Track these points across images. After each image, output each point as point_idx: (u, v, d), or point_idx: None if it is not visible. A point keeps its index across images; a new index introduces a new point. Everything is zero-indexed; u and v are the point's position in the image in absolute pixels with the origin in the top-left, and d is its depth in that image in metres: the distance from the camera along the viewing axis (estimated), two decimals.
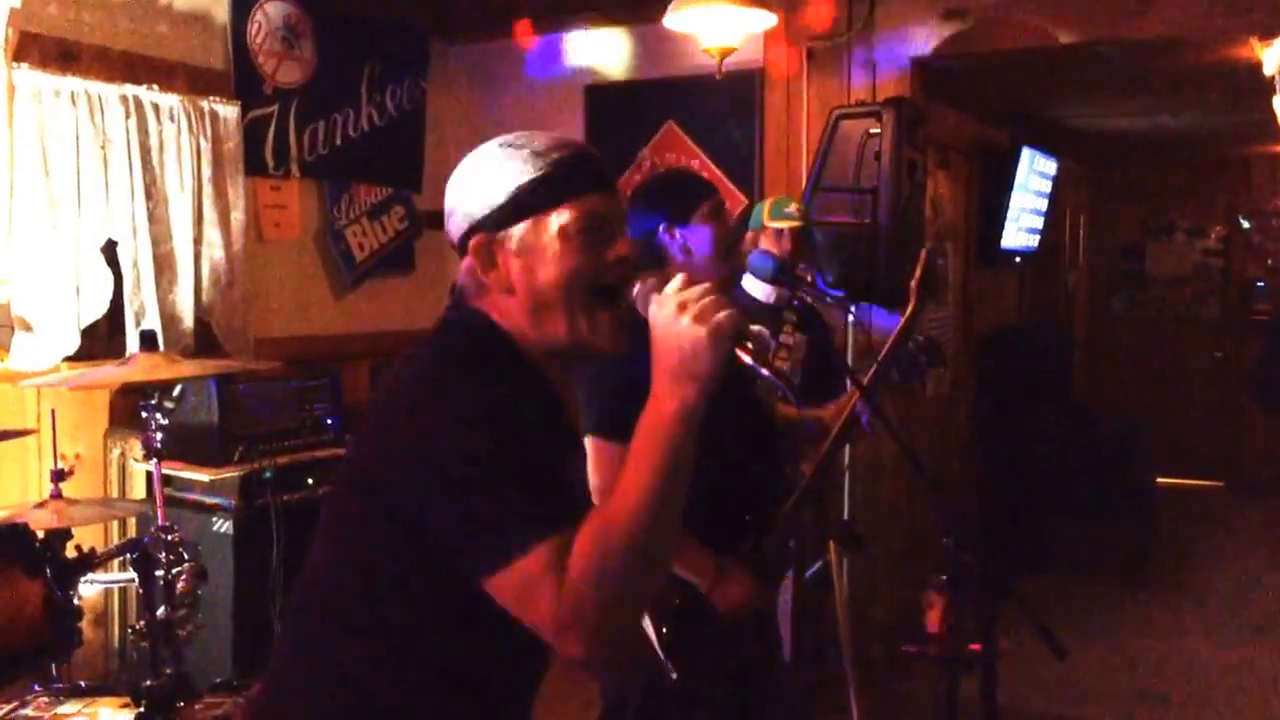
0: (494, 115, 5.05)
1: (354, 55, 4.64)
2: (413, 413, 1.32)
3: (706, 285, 1.31)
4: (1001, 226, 6.01)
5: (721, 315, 1.26)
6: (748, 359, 1.29)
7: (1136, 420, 7.40)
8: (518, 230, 1.38)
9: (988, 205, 6.01)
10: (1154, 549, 6.30)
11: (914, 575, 4.53)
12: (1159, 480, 6.89)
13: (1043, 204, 6.61)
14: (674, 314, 1.27)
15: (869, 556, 4.34)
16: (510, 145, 1.41)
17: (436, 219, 4.19)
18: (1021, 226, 6.33)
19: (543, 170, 1.37)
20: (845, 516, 4.12)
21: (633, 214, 2.47)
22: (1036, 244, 6.68)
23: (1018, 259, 6.52)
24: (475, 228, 1.40)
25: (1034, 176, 6.34)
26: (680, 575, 2.27)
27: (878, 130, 4.02)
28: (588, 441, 2.29)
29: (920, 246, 4.48)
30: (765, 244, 3.31)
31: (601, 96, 4.92)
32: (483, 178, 1.40)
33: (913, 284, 2.54)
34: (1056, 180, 6.74)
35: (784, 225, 3.37)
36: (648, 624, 2.29)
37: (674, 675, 2.26)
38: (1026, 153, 6.10)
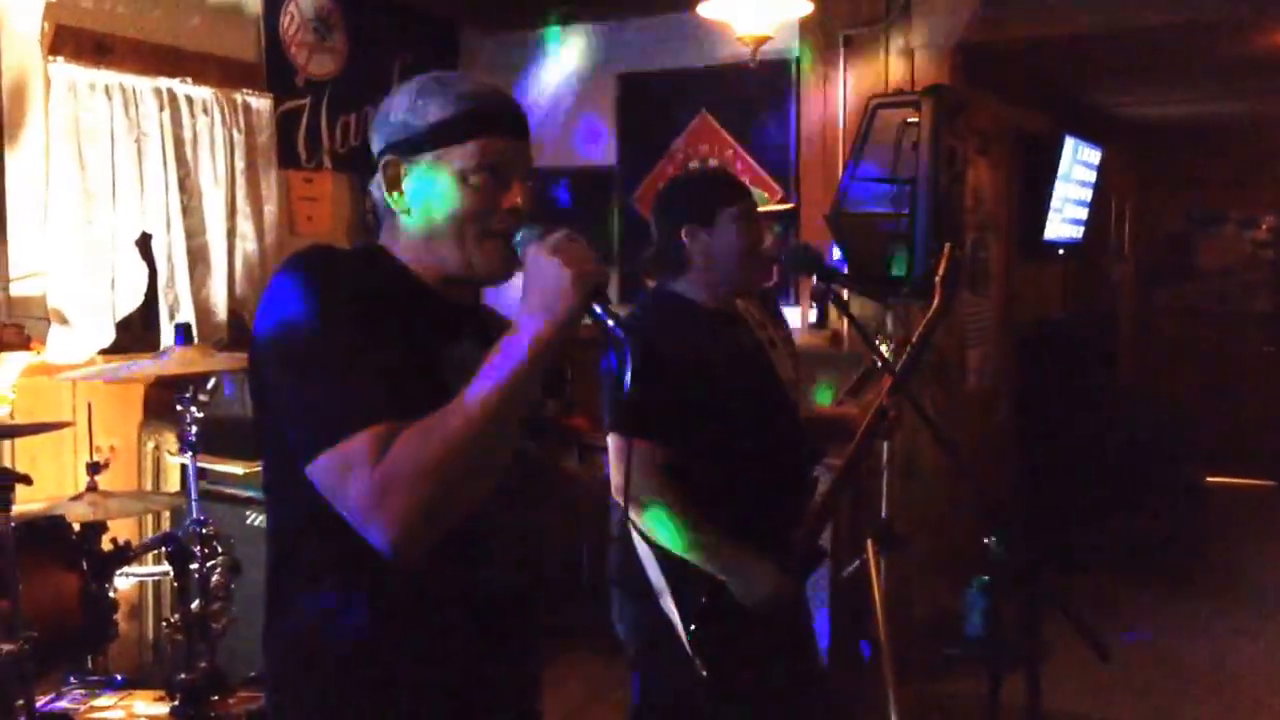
0: (526, 105, 5.06)
1: (385, 46, 4.67)
2: (264, 312, 1.41)
3: (581, 241, 1.39)
4: (1044, 217, 5.96)
5: (588, 264, 1.34)
6: (599, 310, 1.36)
7: (1184, 416, 7.30)
8: (423, 160, 1.47)
9: (1030, 195, 5.96)
10: (1203, 549, 6.22)
11: (955, 575, 4.51)
12: (1208, 479, 6.80)
13: (1087, 194, 6.54)
14: (548, 254, 1.35)
15: (908, 555, 4.32)
16: (437, 80, 1.50)
17: None
18: (1065, 217, 6.27)
19: (457, 109, 1.46)
20: (884, 514, 4.11)
21: (657, 213, 2.48)
22: (1080, 235, 6.61)
23: (1061, 250, 6.46)
24: (387, 149, 1.49)
25: (1078, 166, 6.28)
26: (709, 570, 2.27)
27: (916, 119, 3.99)
28: (609, 439, 2.32)
29: (960, 238, 4.46)
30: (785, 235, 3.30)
31: (634, 86, 4.93)
32: (405, 105, 1.49)
33: (937, 279, 2.53)
34: (1101, 169, 6.67)
35: (776, 208, 3.36)
36: (677, 619, 2.29)
37: (704, 672, 2.26)
38: (1070, 142, 6.04)
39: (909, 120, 4.05)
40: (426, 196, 1.47)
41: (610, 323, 1.36)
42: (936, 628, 4.50)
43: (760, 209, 3.28)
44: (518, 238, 1.43)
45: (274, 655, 1.54)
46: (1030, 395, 6.15)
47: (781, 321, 3.49)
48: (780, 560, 2.34)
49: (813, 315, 4.47)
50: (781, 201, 4.59)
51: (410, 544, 1.28)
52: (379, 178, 1.50)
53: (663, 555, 2.30)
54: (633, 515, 2.30)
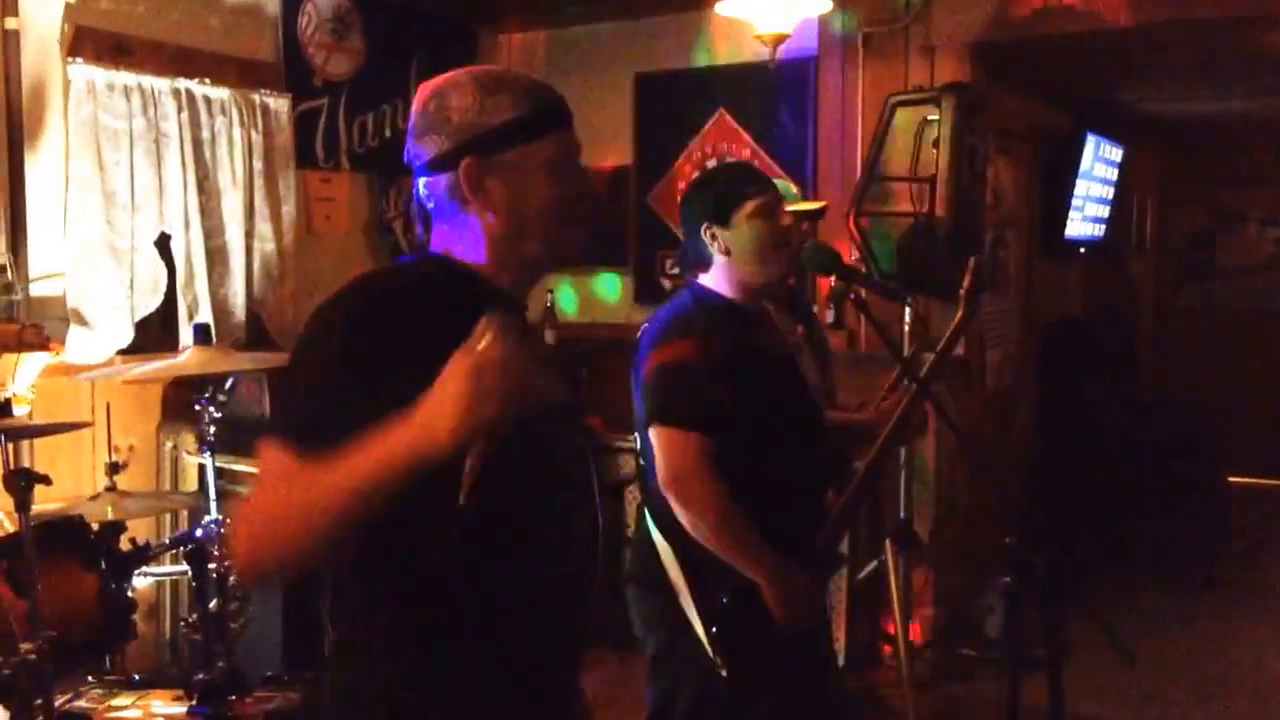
0: None
1: (403, 46, 4.68)
2: (300, 339, 1.49)
3: (525, 352, 1.28)
4: (1065, 215, 5.91)
5: (491, 404, 1.24)
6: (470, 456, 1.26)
7: (1206, 416, 7.24)
8: (506, 158, 1.49)
9: (1051, 193, 5.91)
10: (1225, 551, 6.17)
11: (974, 576, 4.48)
12: (1231, 479, 6.74)
13: (1109, 192, 6.49)
14: (465, 364, 1.25)
15: (927, 556, 4.30)
16: (494, 79, 1.53)
17: None
18: (1086, 215, 6.22)
19: (531, 105, 1.51)
20: (902, 515, 4.09)
21: (682, 213, 2.48)
22: (1102, 233, 6.56)
23: (1082, 249, 6.41)
24: (459, 152, 1.49)
25: (1099, 164, 6.23)
26: (736, 570, 2.26)
27: (936, 117, 3.98)
28: (651, 431, 2.30)
29: (980, 236, 4.43)
30: (803, 232, 3.28)
31: (652, 85, 4.91)
32: (470, 106, 1.50)
33: (962, 292, 2.51)
34: (1123, 167, 6.62)
35: (804, 206, 3.35)
36: (696, 621, 2.29)
37: (724, 674, 2.26)
38: (1091, 139, 5.99)
39: (928, 118, 4.03)
40: (516, 193, 1.50)
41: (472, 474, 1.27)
42: (956, 629, 4.47)
43: (791, 207, 3.27)
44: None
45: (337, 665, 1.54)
46: (1051, 395, 6.11)
47: (815, 324, 3.48)
48: (804, 562, 2.33)
49: (830, 316, 4.44)
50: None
51: (249, 576, 1.46)
52: (451, 181, 1.50)
53: (682, 553, 2.30)
54: (677, 510, 2.27)
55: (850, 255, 4.12)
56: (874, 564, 4.05)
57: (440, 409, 1.24)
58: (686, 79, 4.82)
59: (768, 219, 2.38)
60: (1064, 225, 5.92)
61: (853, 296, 3.16)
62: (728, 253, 2.37)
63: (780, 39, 3.90)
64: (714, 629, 2.27)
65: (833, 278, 3.01)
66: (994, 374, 5.23)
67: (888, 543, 3.93)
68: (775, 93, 4.59)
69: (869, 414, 2.79)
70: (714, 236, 2.38)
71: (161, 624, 3.81)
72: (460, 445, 1.24)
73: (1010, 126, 5.37)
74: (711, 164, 4.72)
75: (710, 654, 2.26)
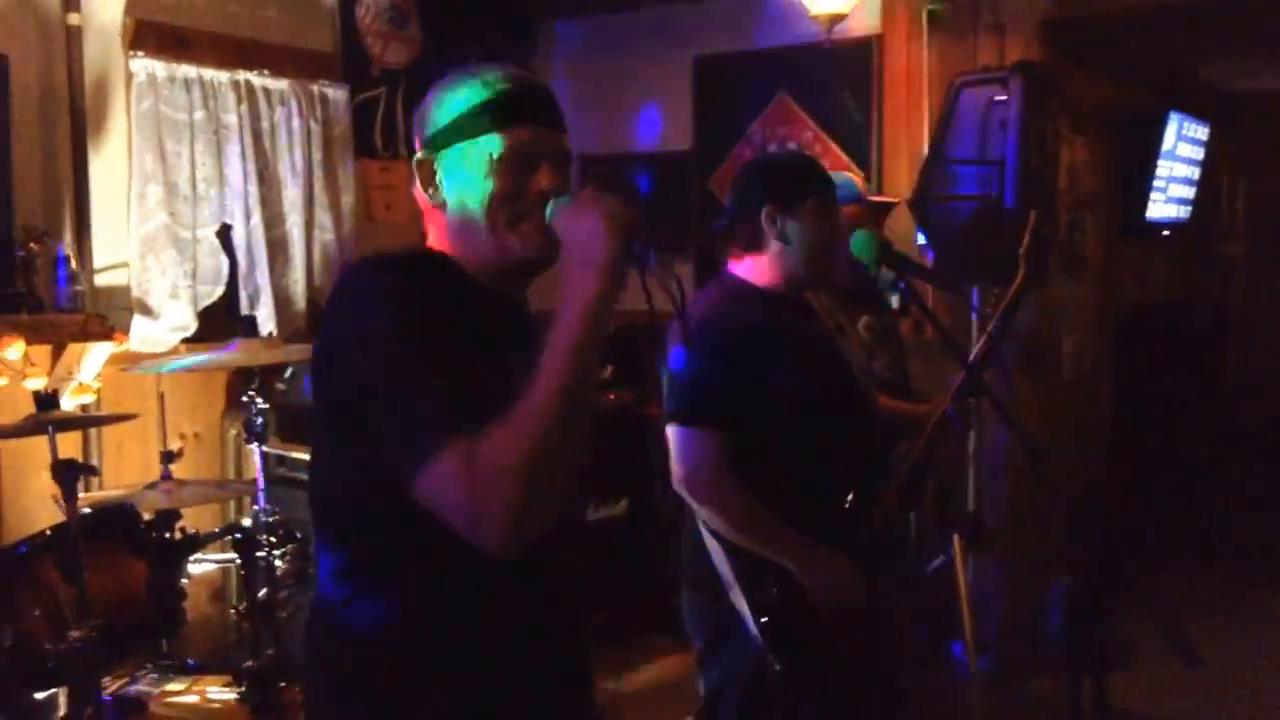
0: (601, 90, 5.04)
1: (460, 34, 4.67)
2: (334, 318, 1.45)
3: (605, 193, 1.40)
4: (1146, 197, 5.70)
5: (614, 204, 1.36)
6: (636, 249, 1.36)
7: None
8: (453, 152, 1.49)
9: (1131, 174, 5.70)
10: None
11: (1040, 572, 4.36)
12: None
13: (1194, 172, 6.24)
14: (574, 211, 1.39)
15: (994, 551, 4.19)
16: (463, 73, 1.53)
17: None
18: (1170, 196, 5.99)
19: (482, 99, 1.48)
20: (971, 509, 3.99)
21: (739, 186, 2.43)
22: (1187, 215, 6.32)
23: (1165, 231, 6.18)
24: (422, 147, 1.53)
25: (1183, 143, 5.99)
26: (778, 562, 2.24)
27: (1004, 98, 3.85)
28: (668, 430, 2.28)
29: (1053, 220, 4.29)
30: (859, 224, 3.21)
31: (711, 68, 4.85)
32: (434, 102, 1.53)
33: (1021, 250, 2.42)
34: (1209, 146, 6.36)
35: (888, 200, 3.27)
36: (747, 613, 2.26)
37: (777, 666, 2.23)
38: (1175, 118, 5.76)
39: (996, 99, 3.91)
40: (458, 187, 1.49)
41: (651, 259, 1.36)
42: (1023, 626, 4.36)
43: (879, 199, 3.21)
44: (549, 215, 1.44)
45: (314, 639, 1.55)
46: (1131, 384, 5.91)
47: (886, 313, 3.39)
48: (851, 552, 2.29)
49: (894, 304, 4.35)
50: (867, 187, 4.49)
51: (518, 540, 1.29)
52: (416, 176, 1.53)
53: (731, 548, 2.28)
54: (694, 506, 2.29)
55: (914, 242, 4.02)
56: (941, 558, 3.96)
57: (581, 240, 1.35)
58: (746, 61, 4.75)
59: (830, 219, 2.35)
60: (1145, 207, 5.70)
61: (903, 286, 3.10)
62: (785, 240, 2.32)
63: (837, 18, 3.82)
64: (765, 620, 2.24)
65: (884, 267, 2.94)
66: (1070, 362, 5.08)
67: (955, 537, 3.84)
68: (837, 74, 4.50)
69: (925, 405, 2.73)
70: (774, 220, 2.32)
71: (222, 610, 3.88)
72: (619, 244, 1.34)
73: (1085, 106, 5.19)
74: (772, 148, 4.65)
75: (762, 647, 2.23)
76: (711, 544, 2.32)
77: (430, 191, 1.52)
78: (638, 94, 5.01)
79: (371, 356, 1.37)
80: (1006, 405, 2.30)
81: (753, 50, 4.74)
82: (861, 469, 2.41)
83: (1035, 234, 2.43)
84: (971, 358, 2.52)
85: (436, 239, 1.54)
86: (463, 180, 1.48)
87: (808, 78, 4.59)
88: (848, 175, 3.34)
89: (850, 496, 2.35)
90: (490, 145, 1.47)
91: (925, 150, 4.21)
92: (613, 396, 4.36)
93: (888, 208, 3.66)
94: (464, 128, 1.48)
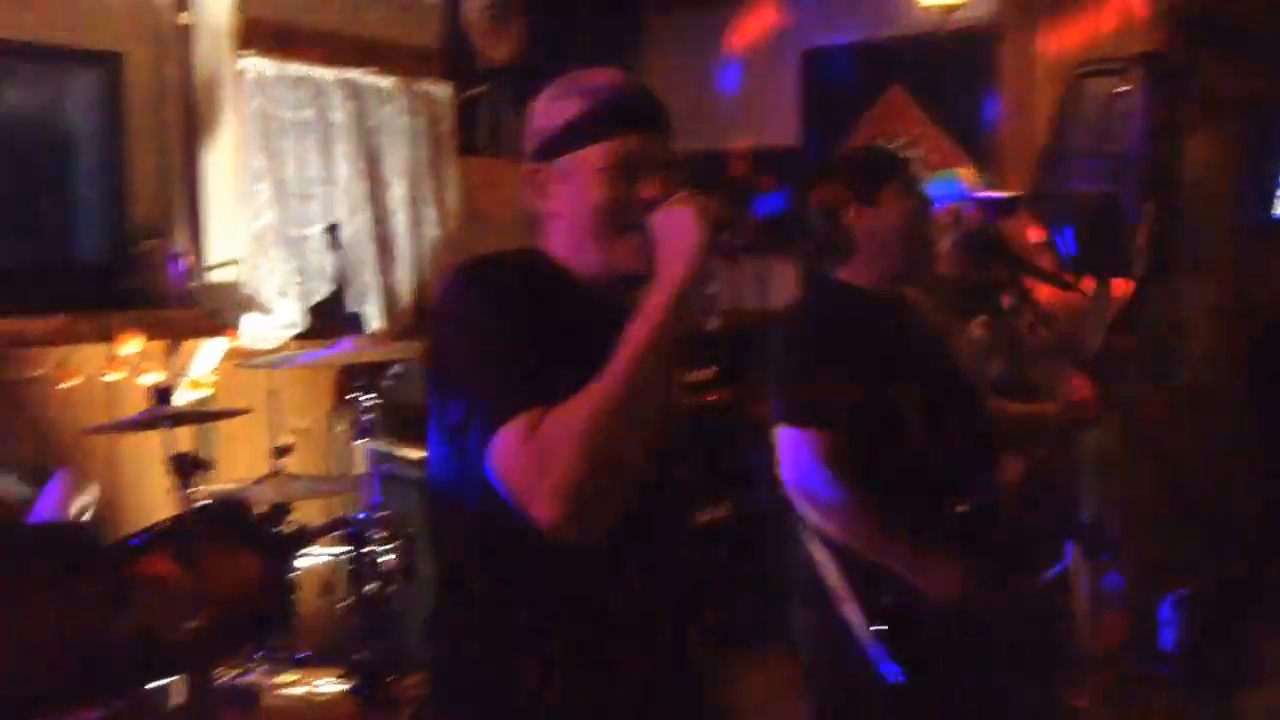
0: (708, 84, 5.01)
1: (565, 29, 4.70)
2: (435, 317, 1.54)
3: (699, 195, 1.46)
4: (1275, 192, 5.47)
5: (705, 200, 1.42)
6: (723, 240, 1.40)
7: None
8: (561, 163, 1.52)
9: (1263, 168, 5.48)
10: None
11: (1162, 583, 4.22)
12: None
13: None
14: (666, 206, 1.44)
15: (1115, 561, 4.06)
16: (570, 80, 1.55)
17: None
18: None
19: (587, 107, 1.50)
20: (1089, 517, 3.88)
21: (817, 194, 2.39)
22: None
23: None
24: (533, 156, 1.56)
25: None
26: (891, 569, 2.20)
27: (1126, 89, 3.75)
28: (779, 431, 2.26)
29: (1179, 217, 4.14)
30: (969, 221, 3.14)
31: (820, 61, 4.79)
32: (541, 111, 1.56)
33: (1138, 243, 2.34)
34: None
35: (1000, 195, 3.18)
36: (860, 624, 2.21)
37: (895, 679, 2.17)
38: None
39: (1118, 90, 3.80)
40: (568, 196, 1.52)
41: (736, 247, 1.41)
42: (1139, 638, 4.22)
43: (990, 194, 3.14)
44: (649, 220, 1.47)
45: (440, 637, 1.59)
46: (1266, 389, 5.67)
47: (1005, 313, 3.31)
48: (970, 559, 2.23)
49: (1009, 303, 4.24)
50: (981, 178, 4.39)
51: (569, 519, 1.30)
52: (527, 184, 1.56)
53: (843, 558, 2.24)
54: (804, 512, 2.25)
55: (1032, 238, 3.92)
56: (1058, 568, 3.86)
57: (670, 236, 1.41)
58: (856, 53, 4.69)
59: (914, 196, 2.31)
60: (1274, 204, 5.48)
61: (1017, 286, 3.02)
62: (872, 234, 2.29)
63: (952, 8, 3.73)
64: (880, 630, 2.20)
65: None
66: (1195, 366, 4.89)
67: (1073, 546, 3.74)
68: (953, 66, 4.41)
69: (1042, 405, 2.66)
70: (857, 216, 2.29)
71: (333, 603, 3.95)
72: (705, 237, 1.39)
73: (1213, 96, 5.00)
74: (882, 143, 4.58)
75: (877, 659, 2.19)
76: (820, 555, 2.28)
77: (541, 201, 1.54)
78: (745, 87, 4.97)
79: (463, 347, 1.44)
80: (1128, 406, 2.23)
81: (864, 41, 4.67)
82: (974, 471, 2.35)
83: (1156, 230, 2.34)
84: (1090, 357, 2.44)
85: (546, 245, 1.57)
86: (571, 190, 1.51)
87: (922, 69, 4.50)
88: (953, 172, 3.27)
89: (963, 501, 2.29)
90: (597, 155, 1.49)
91: (1044, 144, 4.12)
92: (715, 397, 4.33)
93: (1005, 203, 3.57)
94: (571, 137, 1.50)
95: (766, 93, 4.76)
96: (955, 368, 2.39)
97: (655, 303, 1.38)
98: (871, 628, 2.20)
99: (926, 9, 3.82)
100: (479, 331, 1.44)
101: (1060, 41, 4.22)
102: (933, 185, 3.29)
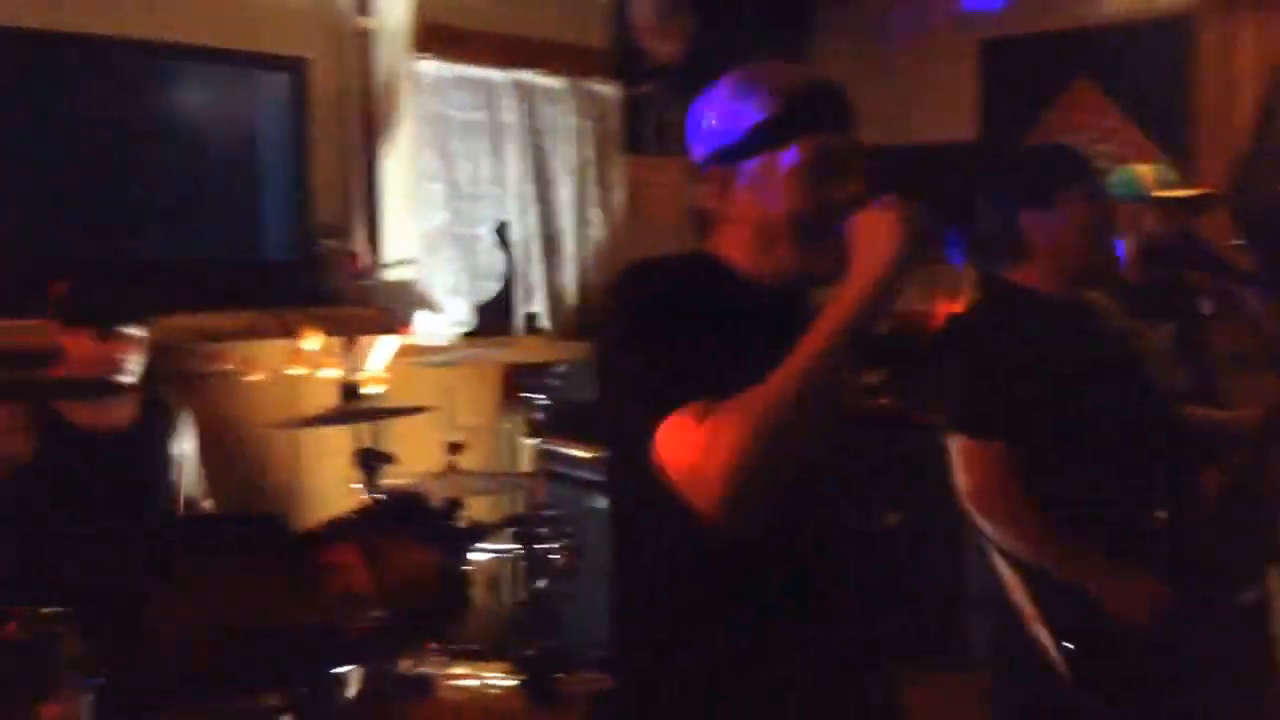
0: (881, 77, 4.94)
1: (733, 25, 4.69)
2: (603, 321, 1.53)
3: (900, 202, 1.42)
4: None
5: (912, 209, 1.38)
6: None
7: None
8: (751, 165, 1.48)
9: None
10: None
11: None
12: None
13: None
14: (864, 215, 1.40)
15: None
16: (750, 79, 1.51)
17: None
18: None
19: (777, 108, 1.47)
20: None
21: (993, 193, 2.35)
22: None
23: None
24: (712, 159, 1.51)
25: None
26: (1078, 585, 2.14)
27: None
28: (950, 441, 2.23)
29: None
30: (1150, 221, 3.00)
31: (999, 51, 4.70)
32: (721, 111, 1.51)
33: None
34: None
35: (1183, 193, 3.03)
36: (1049, 644, 2.16)
37: (1086, 701, 2.13)
38: None
39: None
40: (759, 201, 1.49)
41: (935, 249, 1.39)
42: None
43: (1171, 193, 3.01)
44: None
45: (629, 644, 1.62)
46: None
47: (1193, 320, 3.18)
48: (1164, 576, 2.16)
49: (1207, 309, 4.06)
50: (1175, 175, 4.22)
51: (730, 506, 1.30)
52: (705, 187, 1.53)
53: (1029, 574, 2.19)
54: (983, 525, 2.21)
55: (1230, 240, 3.74)
56: (1253, 592, 3.66)
57: (867, 243, 1.38)
58: (1039, 43, 4.56)
59: (1096, 203, 2.25)
60: None
61: (1217, 295, 2.89)
62: (1051, 238, 2.23)
63: None
64: (1070, 649, 2.14)
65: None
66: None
67: (1273, 568, 3.54)
68: (1146, 56, 4.25)
69: (1243, 413, 2.59)
70: (1034, 221, 2.24)
71: (501, 599, 4.04)
72: (905, 249, 1.36)
73: None
74: (1066, 138, 4.44)
75: (1066, 678, 2.13)
76: (1003, 570, 2.23)
77: (720, 204, 1.52)
78: (919, 78, 4.89)
79: (628, 346, 1.44)
80: None
81: (1047, 31, 4.53)
82: (1166, 483, 2.26)
83: None
84: None
85: (723, 246, 1.54)
86: (761, 194, 1.48)
87: (1112, 60, 4.35)
88: (1132, 170, 3.13)
89: (1158, 513, 2.21)
90: (791, 157, 1.46)
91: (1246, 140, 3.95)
92: (884, 402, 4.27)
93: (1201, 201, 3.40)
94: (760, 139, 1.47)
95: (944, 86, 4.66)
96: (1144, 374, 2.31)
97: (847, 301, 1.36)
98: (1060, 647, 2.14)
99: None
100: (648, 332, 1.43)
101: (1263, 31, 4.02)
102: (1116, 182, 3.18)
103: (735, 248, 1.52)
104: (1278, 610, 3.49)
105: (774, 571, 1.47)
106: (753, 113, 1.47)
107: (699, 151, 1.55)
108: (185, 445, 3.04)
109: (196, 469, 3.08)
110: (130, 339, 2.76)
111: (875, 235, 1.38)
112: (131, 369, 2.78)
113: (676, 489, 1.34)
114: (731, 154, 1.49)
